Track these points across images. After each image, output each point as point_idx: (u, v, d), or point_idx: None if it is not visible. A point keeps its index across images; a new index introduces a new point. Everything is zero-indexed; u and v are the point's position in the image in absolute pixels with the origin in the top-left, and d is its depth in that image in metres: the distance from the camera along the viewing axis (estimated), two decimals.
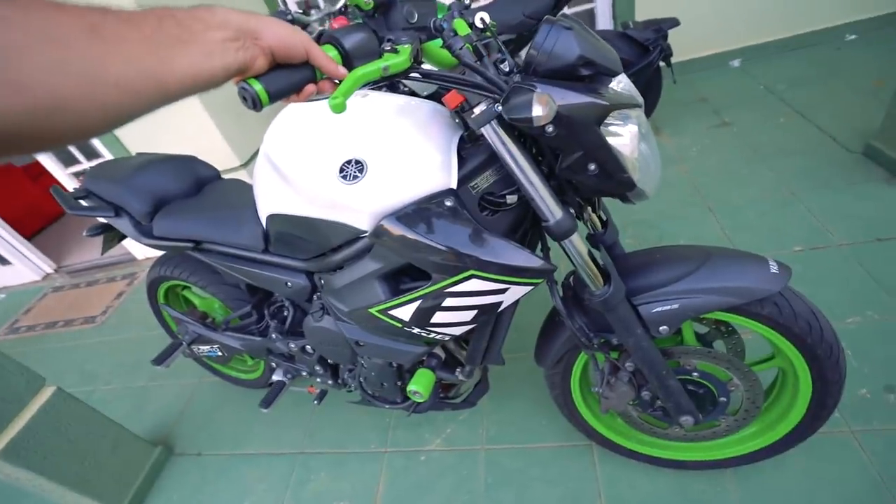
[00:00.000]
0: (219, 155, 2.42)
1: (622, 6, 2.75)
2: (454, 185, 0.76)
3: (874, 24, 2.66)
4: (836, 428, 1.13)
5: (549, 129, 0.66)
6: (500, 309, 0.85)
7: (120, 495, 1.49)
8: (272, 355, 1.38)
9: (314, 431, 1.58)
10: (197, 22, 0.42)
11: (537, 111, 0.58)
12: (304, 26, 0.81)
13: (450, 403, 1.19)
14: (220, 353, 1.52)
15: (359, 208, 0.79)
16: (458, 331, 0.89)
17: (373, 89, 0.87)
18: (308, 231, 0.91)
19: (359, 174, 0.77)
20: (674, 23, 2.13)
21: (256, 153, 1.79)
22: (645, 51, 2.08)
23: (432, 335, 0.90)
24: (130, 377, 2.13)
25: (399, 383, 1.13)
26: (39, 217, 4.31)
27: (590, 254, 0.82)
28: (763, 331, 0.87)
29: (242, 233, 1.09)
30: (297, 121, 0.87)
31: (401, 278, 0.87)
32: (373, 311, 0.88)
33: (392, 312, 0.86)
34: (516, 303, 0.90)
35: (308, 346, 1.23)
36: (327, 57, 0.55)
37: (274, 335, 1.28)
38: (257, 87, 0.50)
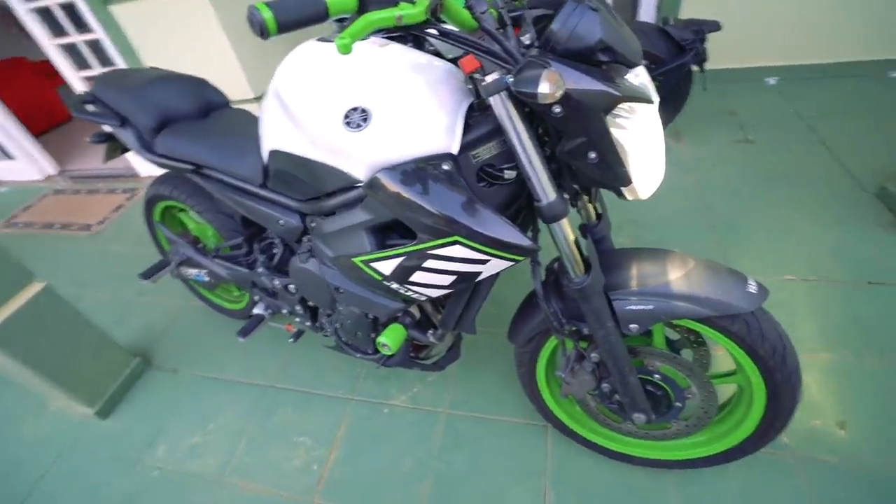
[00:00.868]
0: (233, 84, 2.38)
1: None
2: (455, 151, 0.76)
3: None
4: (781, 451, 1.17)
5: (557, 109, 0.65)
6: (478, 279, 0.87)
7: (95, 396, 1.56)
8: (256, 288, 1.41)
9: (287, 368, 1.63)
10: None
11: (544, 88, 0.58)
12: None
13: (420, 364, 1.23)
14: (207, 279, 1.55)
15: (357, 157, 0.79)
16: (434, 293, 0.91)
17: (396, 41, 0.86)
18: (306, 172, 0.92)
19: (362, 123, 0.76)
20: (715, 26, 2.05)
21: None
22: (680, 50, 2.01)
23: (409, 293, 0.92)
24: (119, 289, 2.18)
25: (372, 335, 1.16)
26: (49, 117, 4.27)
27: (576, 242, 0.82)
28: (729, 346, 0.89)
29: (243, 164, 1.09)
30: (311, 60, 0.86)
31: (388, 234, 0.89)
32: (356, 260, 0.90)
33: (374, 265, 0.88)
34: (496, 276, 0.92)
35: (291, 286, 1.26)
36: None
37: (260, 269, 1.30)
38: (266, 14, 0.50)
